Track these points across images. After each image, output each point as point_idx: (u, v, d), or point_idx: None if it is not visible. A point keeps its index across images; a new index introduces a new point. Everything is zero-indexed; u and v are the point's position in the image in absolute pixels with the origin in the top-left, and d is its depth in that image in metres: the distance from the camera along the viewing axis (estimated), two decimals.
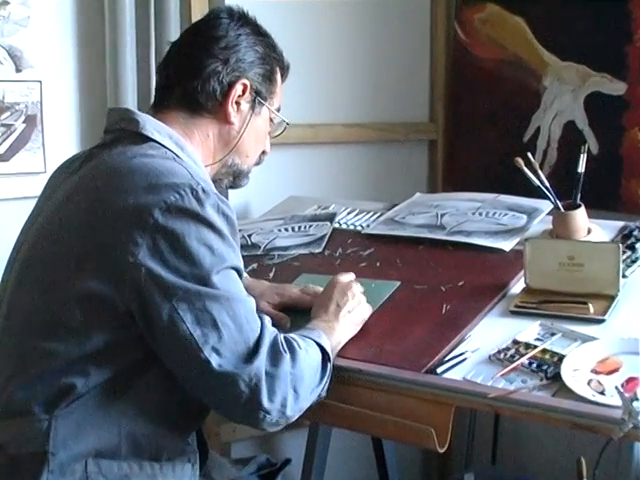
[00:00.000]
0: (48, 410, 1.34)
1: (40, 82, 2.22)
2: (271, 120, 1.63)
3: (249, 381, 1.33)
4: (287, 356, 1.37)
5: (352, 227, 2.12)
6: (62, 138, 2.27)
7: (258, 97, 1.57)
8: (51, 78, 2.25)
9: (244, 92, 1.55)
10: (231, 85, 1.53)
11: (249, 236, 2.10)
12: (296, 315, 1.64)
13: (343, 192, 2.59)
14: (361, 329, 1.60)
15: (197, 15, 2.36)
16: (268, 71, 1.58)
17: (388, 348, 1.56)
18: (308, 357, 1.41)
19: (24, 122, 2.21)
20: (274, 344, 1.37)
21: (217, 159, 1.58)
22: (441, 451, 1.44)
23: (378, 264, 1.89)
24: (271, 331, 1.39)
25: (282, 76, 1.63)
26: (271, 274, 1.87)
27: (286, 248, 2.03)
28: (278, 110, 1.64)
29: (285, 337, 1.41)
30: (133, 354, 1.36)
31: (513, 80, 2.59)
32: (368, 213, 2.18)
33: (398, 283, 1.77)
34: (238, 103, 1.55)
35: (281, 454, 2.59)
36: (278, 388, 1.35)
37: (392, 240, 1.99)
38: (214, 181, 1.57)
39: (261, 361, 1.34)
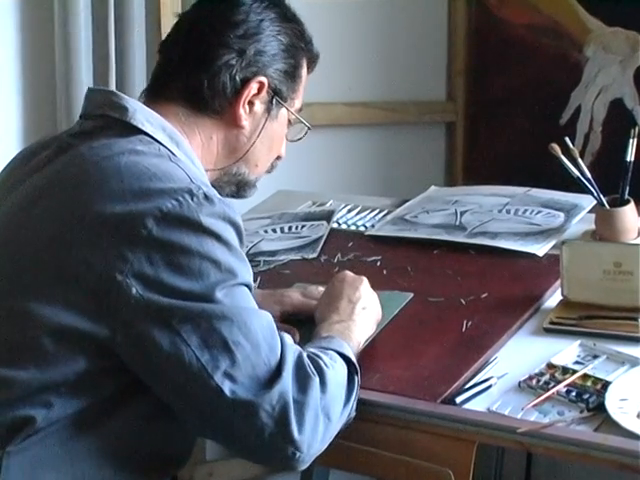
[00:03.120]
0: (1, 445, 1.34)
1: None
2: (289, 121, 1.61)
3: (272, 411, 1.32)
4: (317, 380, 1.37)
5: (354, 228, 2.12)
6: (1, 127, 2.27)
7: (277, 97, 1.55)
8: None
9: (260, 91, 1.53)
10: (245, 82, 1.51)
11: None
12: (300, 325, 1.64)
13: (343, 185, 2.60)
14: (364, 350, 1.59)
15: None
16: (292, 66, 1.56)
17: (397, 373, 1.56)
18: (336, 375, 1.42)
19: None
20: (300, 366, 1.37)
21: (218, 167, 1.57)
22: None
23: (385, 272, 1.89)
24: (294, 349, 1.39)
25: (309, 69, 1.62)
26: (255, 284, 1.88)
27: (274, 253, 2.03)
28: (299, 111, 1.62)
29: (309, 355, 1.41)
30: (107, 386, 1.36)
31: (549, 50, 2.60)
32: (373, 211, 2.18)
33: (410, 295, 1.78)
34: (251, 103, 1.53)
35: None
36: (309, 418, 1.35)
37: (402, 243, 2.00)
38: (212, 187, 1.57)
39: (285, 386, 1.34)
